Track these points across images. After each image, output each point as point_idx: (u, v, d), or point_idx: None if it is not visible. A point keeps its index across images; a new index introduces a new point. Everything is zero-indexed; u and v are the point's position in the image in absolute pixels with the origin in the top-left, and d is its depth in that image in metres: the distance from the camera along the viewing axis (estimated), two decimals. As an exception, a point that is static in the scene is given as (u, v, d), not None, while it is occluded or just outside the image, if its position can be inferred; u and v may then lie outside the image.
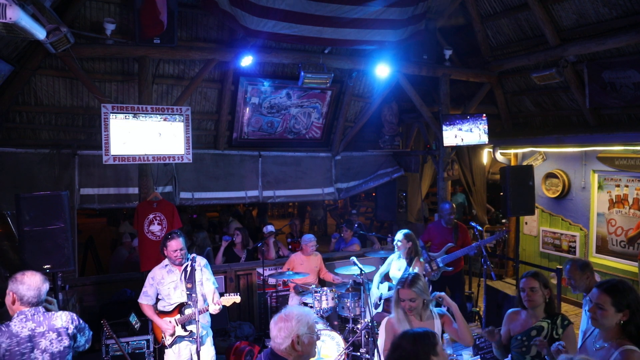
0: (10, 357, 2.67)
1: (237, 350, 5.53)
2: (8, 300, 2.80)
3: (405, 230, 5.38)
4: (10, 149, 6.25)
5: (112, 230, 11.36)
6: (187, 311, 4.14)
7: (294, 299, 5.92)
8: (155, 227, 5.57)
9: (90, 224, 13.06)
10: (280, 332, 2.32)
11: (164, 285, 4.21)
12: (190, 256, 4.00)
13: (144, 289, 4.30)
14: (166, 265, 4.27)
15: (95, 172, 6.64)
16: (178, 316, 4.17)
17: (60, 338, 2.85)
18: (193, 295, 4.02)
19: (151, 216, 5.55)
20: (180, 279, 4.16)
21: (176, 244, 4.12)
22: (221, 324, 5.82)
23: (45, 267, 4.00)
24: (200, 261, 4.30)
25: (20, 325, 2.75)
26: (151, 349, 5.01)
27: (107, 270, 7.96)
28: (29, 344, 2.74)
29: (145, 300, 4.27)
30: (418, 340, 2.13)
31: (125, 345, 4.87)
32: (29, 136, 6.47)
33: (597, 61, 6.19)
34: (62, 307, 4.66)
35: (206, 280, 4.28)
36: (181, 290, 4.17)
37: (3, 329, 2.72)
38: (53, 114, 6.43)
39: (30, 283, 2.80)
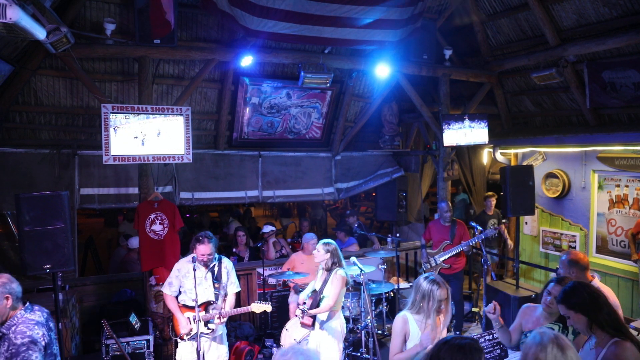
0: (51, 343, 2.92)
1: (237, 350, 5.54)
2: (6, 305, 2.80)
3: (326, 240, 4.53)
4: (10, 149, 6.25)
5: (111, 231, 11.38)
6: (212, 310, 4.26)
7: (293, 299, 5.92)
8: (157, 227, 5.58)
9: (90, 224, 13.07)
10: None
11: (188, 279, 4.26)
12: (217, 257, 4.17)
13: (168, 280, 4.39)
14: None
15: (95, 172, 6.64)
16: (203, 313, 4.23)
17: (52, 318, 3.12)
18: (220, 295, 4.25)
19: (152, 216, 5.56)
20: (205, 277, 4.30)
21: (204, 249, 4.21)
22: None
23: (45, 267, 4.00)
24: (228, 264, 4.46)
25: (37, 315, 2.93)
26: (151, 349, 5.02)
27: (107, 270, 7.96)
28: (50, 328, 2.99)
29: (168, 290, 4.36)
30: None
31: (125, 345, 4.89)
32: (29, 136, 6.47)
33: (597, 61, 6.18)
34: (62, 307, 4.68)
35: (230, 284, 4.44)
36: (204, 287, 4.27)
37: (34, 322, 2.85)
38: (53, 114, 6.43)
39: (15, 280, 2.91)
